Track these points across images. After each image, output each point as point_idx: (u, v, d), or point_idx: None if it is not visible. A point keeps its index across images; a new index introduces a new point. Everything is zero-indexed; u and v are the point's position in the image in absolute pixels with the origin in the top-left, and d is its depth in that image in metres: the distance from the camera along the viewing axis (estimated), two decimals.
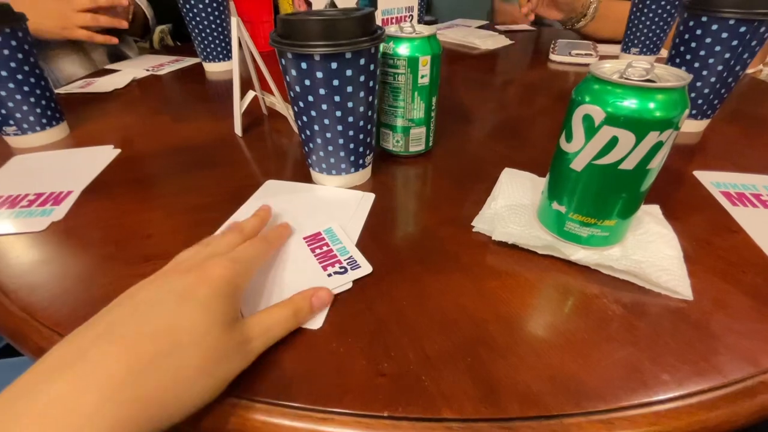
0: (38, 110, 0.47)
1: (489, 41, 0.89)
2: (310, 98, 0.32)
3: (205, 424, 0.21)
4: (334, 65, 0.30)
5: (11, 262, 0.31)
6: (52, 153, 0.46)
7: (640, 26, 0.71)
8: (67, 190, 0.39)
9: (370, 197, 0.37)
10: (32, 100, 0.46)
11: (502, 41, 0.91)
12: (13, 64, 0.43)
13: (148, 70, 0.75)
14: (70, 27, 0.65)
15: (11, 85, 0.44)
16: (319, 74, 0.31)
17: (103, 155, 0.45)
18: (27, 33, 0.44)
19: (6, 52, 0.42)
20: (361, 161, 0.38)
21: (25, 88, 0.45)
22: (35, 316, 0.26)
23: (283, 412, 0.21)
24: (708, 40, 0.43)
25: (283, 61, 0.32)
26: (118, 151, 0.46)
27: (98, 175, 0.42)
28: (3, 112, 0.45)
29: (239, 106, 0.49)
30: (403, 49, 0.37)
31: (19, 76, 0.44)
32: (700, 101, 0.47)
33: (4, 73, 0.43)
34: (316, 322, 0.25)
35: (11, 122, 0.46)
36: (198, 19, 0.69)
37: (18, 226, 0.34)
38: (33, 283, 0.29)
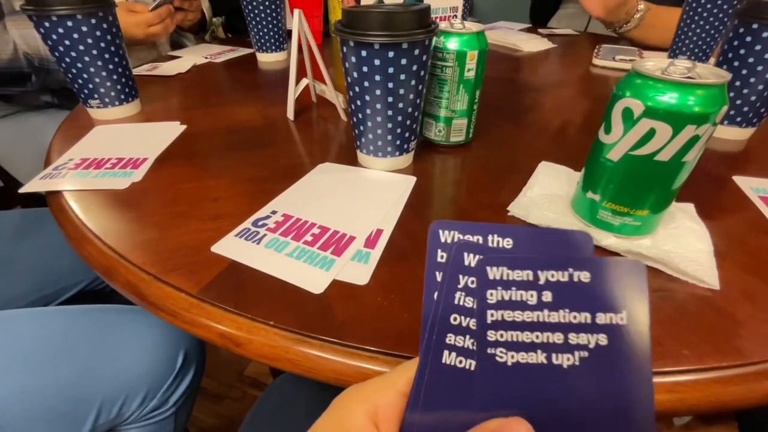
0: (118, 87, 0.52)
1: (531, 43, 0.90)
2: (366, 84, 0.36)
3: (267, 353, 0.25)
4: (391, 54, 0.33)
5: (101, 212, 0.36)
6: (128, 125, 0.52)
7: (690, 34, 0.70)
8: (143, 156, 0.44)
9: (412, 180, 0.40)
10: (114, 77, 0.51)
11: (545, 44, 0.91)
12: (102, 44, 0.49)
13: (206, 58, 0.81)
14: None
15: (99, 63, 0.50)
16: (377, 62, 0.34)
17: (172, 130, 0.50)
18: (115, 17, 0.50)
19: (98, 33, 0.48)
20: (405, 146, 0.41)
21: (110, 67, 0.51)
22: (124, 257, 0.30)
23: (335, 349, 0.24)
24: (758, 47, 0.43)
25: (345, 49, 0.35)
26: (184, 127, 0.51)
27: (168, 146, 0.47)
28: (90, 86, 0.51)
29: (293, 92, 0.53)
30: (453, 44, 0.40)
31: (106, 56, 0.50)
32: (745, 109, 0.47)
33: (94, 52, 0.49)
34: (363, 279, 0.28)
35: (96, 96, 0.52)
36: (256, 12, 0.74)
37: (104, 184, 0.39)
38: (120, 230, 0.33)
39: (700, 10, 0.68)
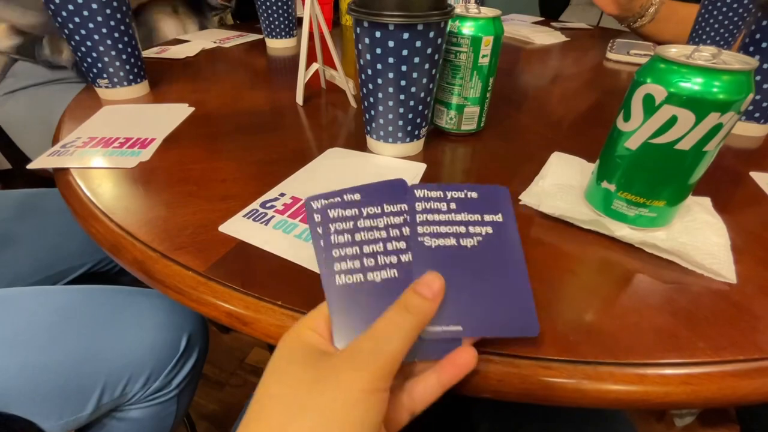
0: (127, 67, 0.52)
1: (544, 36, 0.89)
2: (379, 66, 0.35)
3: (274, 333, 0.24)
4: (405, 35, 0.33)
5: (109, 190, 0.35)
6: (137, 106, 0.52)
7: (707, 28, 0.69)
8: (151, 137, 0.43)
9: (422, 167, 0.39)
10: (123, 57, 0.51)
11: (558, 37, 0.90)
12: (112, 23, 0.48)
13: (215, 42, 0.80)
14: None
15: (108, 42, 0.49)
16: (391, 43, 0.33)
17: (180, 111, 0.50)
18: None
19: (108, 11, 0.47)
20: (416, 132, 0.40)
21: (119, 46, 0.50)
22: (132, 234, 0.30)
23: None
24: None
25: (358, 30, 0.35)
26: (192, 109, 0.51)
27: (176, 127, 0.46)
28: (99, 65, 0.50)
29: (303, 76, 0.52)
30: (467, 28, 0.39)
31: (116, 35, 0.49)
32: (765, 104, 0.46)
33: (104, 31, 0.48)
34: None
35: (104, 76, 0.51)
36: None
37: (112, 162, 0.39)
38: (127, 208, 0.33)
39: (719, 4, 0.66)
